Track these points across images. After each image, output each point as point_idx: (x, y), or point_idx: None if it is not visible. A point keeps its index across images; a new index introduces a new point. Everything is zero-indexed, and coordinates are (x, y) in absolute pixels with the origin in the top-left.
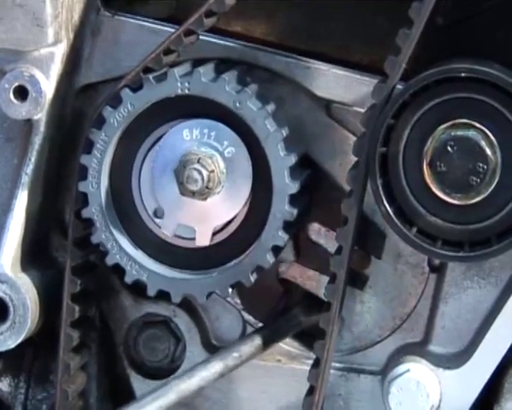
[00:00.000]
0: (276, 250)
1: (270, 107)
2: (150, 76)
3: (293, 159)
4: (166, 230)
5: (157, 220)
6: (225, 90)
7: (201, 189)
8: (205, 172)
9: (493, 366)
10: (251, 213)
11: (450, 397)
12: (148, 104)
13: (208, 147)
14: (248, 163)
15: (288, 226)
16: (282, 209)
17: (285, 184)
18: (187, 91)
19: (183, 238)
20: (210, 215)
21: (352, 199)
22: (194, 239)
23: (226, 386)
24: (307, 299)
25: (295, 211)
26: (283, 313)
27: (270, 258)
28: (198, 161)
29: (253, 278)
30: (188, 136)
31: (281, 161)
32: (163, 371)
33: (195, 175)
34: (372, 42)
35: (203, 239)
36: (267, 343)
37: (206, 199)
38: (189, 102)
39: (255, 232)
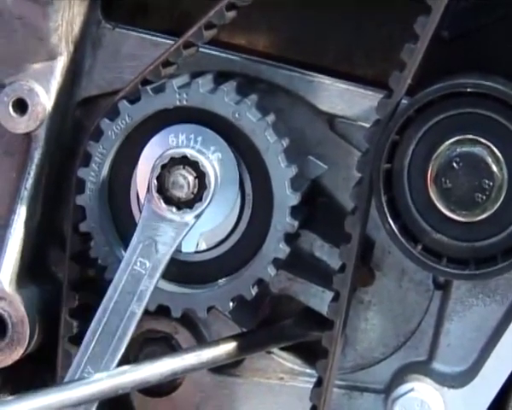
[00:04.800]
0: (278, 263)
1: (270, 118)
2: (148, 87)
3: (293, 170)
4: None
5: None
6: (224, 102)
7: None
8: (190, 178)
9: (499, 385)
10: (251, 226)
11: None
12: (146, 116)
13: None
14: (235, 168)
15: (289, 238)
16: (282, 221)
17: (286, 196)
18: (185, 103)
19: (183, 252)
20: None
21: (355, 216)
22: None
23: (228, 404)
24: (304, 313)
25: (296, 223)
26: (268, 323)
27: (272, 270)
28: (183, 167)
29: (253, 291)
30: (173, 141)
31: (281, 172)
32: (164, 389)
33: (181, 181)
34: (376, 55)
35: (189, 246)
36: (238, 351)
37: None
38: (187, 114)
39: (256, 245)
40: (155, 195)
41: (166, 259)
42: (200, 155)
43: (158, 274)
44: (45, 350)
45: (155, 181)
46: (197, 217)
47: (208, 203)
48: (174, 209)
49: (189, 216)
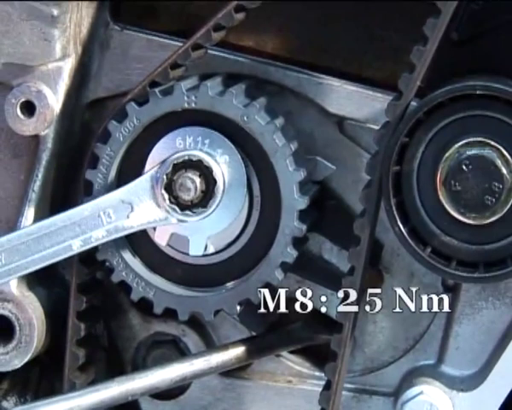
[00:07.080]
0: (285, 267)
1: (279, 121)
2: (156, 90)
3: (302, 174)
4: (160, 239)
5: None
6: (233, 104)
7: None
8: (197, 181)
9: (508, 388)
10: (259, 229)
11: None
12: (154, 118)
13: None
14: (243, 171)
15: (297, 242)
16: (290, 225)
17: (294, 200)
18: (194, 105)
19: (190, 255)
20: (204, 225)
21: (364, 219)
22: (200, 256)
23: (236, 407)
24: (313, 316)
25: (304, 227)
26: (276, 326)
27: (279, 275)
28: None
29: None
30: (181, 144)
31: (290, 176)
32: (172, 392)
33: (188, 184)
34: (385, 57)
35: (197, 249)
36: (248, 355)
37: None
38: (196, 116)
39: (263, 249)
40: (163, 192)
41: (129, 231)
42: (208, 157)
43: (112, 237)
44: (53, 353)
45: (164, 177)
46: (182, 221)
47: (217, 205)
48: (177, 209)
49: (192, 218)
